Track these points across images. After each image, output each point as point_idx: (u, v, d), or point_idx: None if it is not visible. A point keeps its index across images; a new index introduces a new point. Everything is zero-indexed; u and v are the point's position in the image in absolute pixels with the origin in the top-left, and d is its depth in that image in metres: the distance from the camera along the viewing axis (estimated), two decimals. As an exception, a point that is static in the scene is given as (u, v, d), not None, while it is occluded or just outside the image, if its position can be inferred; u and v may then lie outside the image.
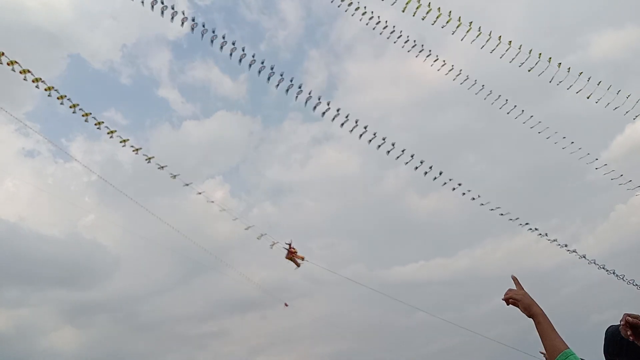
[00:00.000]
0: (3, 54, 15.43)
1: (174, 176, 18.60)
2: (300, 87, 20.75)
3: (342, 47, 59.05)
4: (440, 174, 21.25)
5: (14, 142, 48.95)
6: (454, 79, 22.64)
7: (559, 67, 21.67)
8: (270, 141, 57.95)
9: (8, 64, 15.40)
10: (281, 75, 20.66)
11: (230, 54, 20.59)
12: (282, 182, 59.80)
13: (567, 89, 21.86)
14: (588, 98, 21.82)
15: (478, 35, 21.31)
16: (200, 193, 19.40)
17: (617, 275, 21.00)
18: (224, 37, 20.33)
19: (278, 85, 20.75)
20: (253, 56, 20.53)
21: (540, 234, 22.08)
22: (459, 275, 49.23)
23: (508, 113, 22.38)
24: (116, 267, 44.77)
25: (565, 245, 22.01)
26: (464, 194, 21.46)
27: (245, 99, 61.22)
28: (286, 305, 23.09)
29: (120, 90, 57.44)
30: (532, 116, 22.40)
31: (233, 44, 20.44)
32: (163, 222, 20.66)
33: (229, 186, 57.05)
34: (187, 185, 18.93)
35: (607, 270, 20.99)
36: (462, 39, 21.52)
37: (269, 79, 20.60)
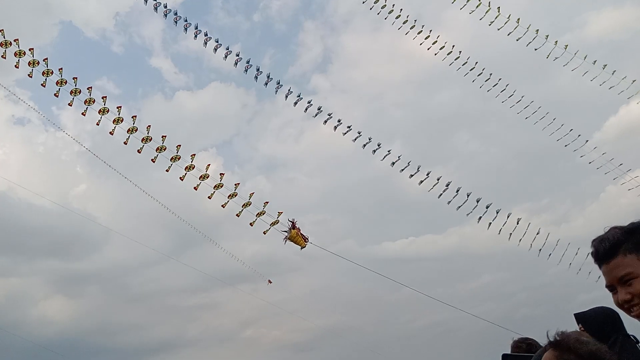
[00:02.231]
0: None
1: (160, 149, 17.38)
2: (280, 83, 20.75)
3: (339, 19, 58.16)
4: (429, 174, 21.20)
5: (3, 109, 48.19)
6: (443, 59, 22.52)
7: (555, 44, 21.53)
8: (264, 115, 57.46)
9: None
10: (258, 69, 20.61)
11: (205, 43, 20.65)
12: (275, 156, 59.56)
13: (563, 66, 21.81)
14: (583, 76, 21.80)
15: (478, 6, 20.99)
16: (187, 169, 17.77)
17: None
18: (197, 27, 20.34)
19: (257, 77, 20.57)
20: (227, 48, 20.52)
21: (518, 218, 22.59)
22: (448, 252, 49.76)
23: (497, 96, 22.33)
24: (107, 238, 44.74)
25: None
26: (447, 186, 21.42)
27: (238, 71, 60.43)
28: (270, 282, 23.03)
29: (112, 59, 56.46)
30: (523, 96, 22.33)
31: (206, 33, 20.40)
32: (151, 197, 20.34)
33: (222, 159, 56.70)
34: (174, 161, 17.45)
35: None
36: (461, 8, 21.23)
37: (246, 71, 20.56)
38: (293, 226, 18.72)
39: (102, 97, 17.21)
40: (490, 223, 22.01)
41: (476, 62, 22.11)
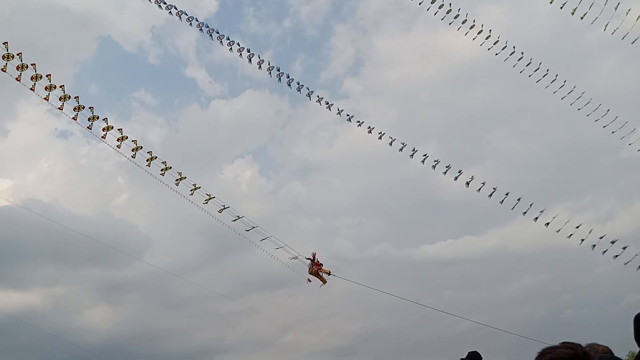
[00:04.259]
0: (13, 56, 15.05)
1: (179, 179, 19.08)
2: (319, 97, 21.62)
3: (370, 21, 57.88)
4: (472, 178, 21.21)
5: (47, 123, 50.11)
6: (489, 49, 22.03)
7: (615, 9, 20.73)
8: (297, 119, 57.76)
9: (17, 69, 14.99)
10: (299, 83, 21.35)
11: (240, 53, 21.09)
12: (309, 160, 59.86)
13: (622, 38, 21.16)
14: None
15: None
16: (192, 192, 19.89)
17: None
18: (228, 39, 21.00)
19: (296, 86, 21.23)
20: (260, 57, 21.10)
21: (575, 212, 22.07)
22: (488, 254, 48.61)
23: (547, 87, 21.64)
24: (147, 246, 45.83)
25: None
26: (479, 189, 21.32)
27: (271, 77, 60.84)
28: (309, 281, 23.31)
29: (149, 70, 58.01)
30: (572, 86, 21.63)
31: (238, 44, 21.83)
32: (192, 204, 20.81)
33: (257, 165, 57.40)
34: (192, 192, 19.52)
35: None
36: None
37: (280, 78, 21.43)
38: (313, 260, 19.89)
39: (119, 129, 18.46)
40: (537, 218, 21.75)
41: (514, 47, 21.50)
